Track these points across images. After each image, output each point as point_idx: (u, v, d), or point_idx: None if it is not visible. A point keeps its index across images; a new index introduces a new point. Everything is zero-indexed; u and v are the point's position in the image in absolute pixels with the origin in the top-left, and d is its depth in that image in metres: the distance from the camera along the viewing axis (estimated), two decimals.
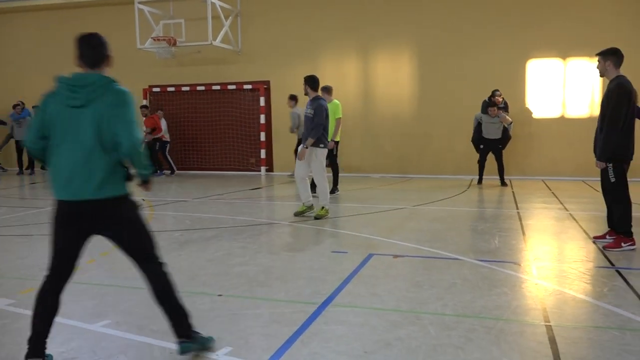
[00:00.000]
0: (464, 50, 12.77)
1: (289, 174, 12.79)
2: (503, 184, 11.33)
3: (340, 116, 9.83)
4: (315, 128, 7.41)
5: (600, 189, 5.98)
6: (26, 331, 3.58)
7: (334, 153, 9.85)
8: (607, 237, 5.92)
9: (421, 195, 10.09)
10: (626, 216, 5.62)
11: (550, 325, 3.62)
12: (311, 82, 7.65)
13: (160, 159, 14.15)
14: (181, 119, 14.96)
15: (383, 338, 3.42)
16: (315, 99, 7.56)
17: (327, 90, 9.52)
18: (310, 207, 7.91)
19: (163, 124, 14.05)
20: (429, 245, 5.98)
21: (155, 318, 3.78)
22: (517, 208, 8.58)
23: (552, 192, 10.27)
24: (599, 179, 5.85)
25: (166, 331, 3.44)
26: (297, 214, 7.87)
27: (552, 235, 6.75)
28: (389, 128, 13.46)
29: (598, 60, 5.67)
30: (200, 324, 3.67)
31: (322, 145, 7.56)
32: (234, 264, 5.26)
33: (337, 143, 9.93)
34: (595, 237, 6.12)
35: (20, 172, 14.70)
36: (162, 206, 9.10)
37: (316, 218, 7.62)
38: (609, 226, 5.94)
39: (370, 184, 11.98)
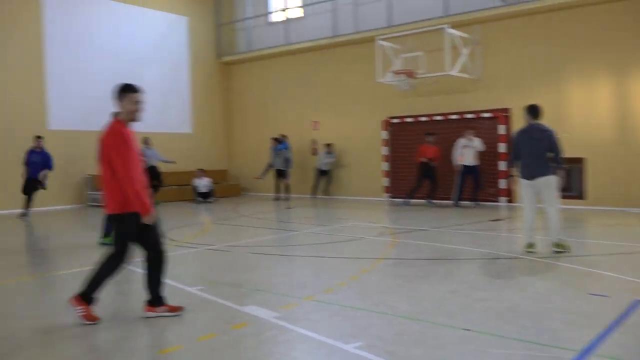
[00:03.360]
0: None
1: None
2: None
3: None
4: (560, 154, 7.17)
5: None
6: (293, 344, 3.99)
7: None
8: None
9: None
10: None
11: None
12: (532, 111, 7.38)
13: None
14: (417, 148, 15.24)
15: None
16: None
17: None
18: (564, 245, 7.25)
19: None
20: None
21: (403, 345, 3.89)
22: None
23: None
24: None
25: (416, 358, 3.50)
26: (556, 248, 7.28)
27: None
28: None
29: None
30: (446, 358, 3.65)
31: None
32: (478, 298, 5.13)
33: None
34: None
35: (277, 198, 16.52)
36: (404, 234, 9.34)
37: (557, 251, 7.07)
38: None
39: (627, 220, 10.62)
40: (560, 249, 7.16)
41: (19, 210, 12.99)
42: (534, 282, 5.82)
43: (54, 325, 4.57)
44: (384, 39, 14.34)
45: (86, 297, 4.54)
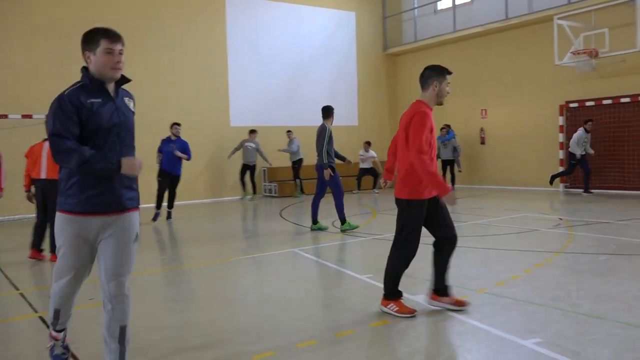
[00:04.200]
0: None
1: None
2: None
3: None
4: None
5: None
6: (467, 335, 3.98)
7: None
8: None
9: None
10: None
11: None
12: None
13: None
14: (602, 134, 13.94)
15: None
16: None
17: None
18: None
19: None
20: None
21: (588, 344, 3.66)
22: None
23: None
24: None
25: (602, 359, 3.29)
26: None
27: None
28: None
29: None
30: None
31: None
32: None
33: None
34: None
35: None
36: (582, 227, 8.66)
37: None
38: None
39: None
40: None
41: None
42: None
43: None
44: (562, 17, 13.31)
45: (392, 294, 4.52)
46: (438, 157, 16.27)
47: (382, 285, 4.62)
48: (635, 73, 13.12)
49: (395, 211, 4.54)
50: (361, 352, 3.79)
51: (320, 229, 9.10)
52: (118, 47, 3.05)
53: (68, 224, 3.07)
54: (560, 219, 9.95)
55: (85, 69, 3.12)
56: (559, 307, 4.52)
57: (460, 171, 15.92)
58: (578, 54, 13.02)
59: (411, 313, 4.42)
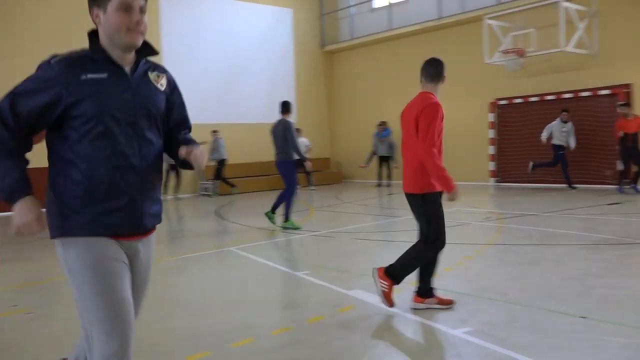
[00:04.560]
0: None
1: None
2: None
3: None
4: None
5: None
6: (401, 327, 4.05)
7: None
8: None
9: None
10: None
11: None
12: None
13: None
14: (526, 131, 14.56)
15: None
16: None
17: None
18: None
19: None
20: None
21: (515, 331, 3.82)
22: None
23: None
24: None
25: (529, 346, 3.45)
26: None
27: None
28: None
29: None
30: (561, 346, 3.55)
31: None
32: (595, 285, 4.89)
33: None
34: None
35: (379, 185, 16.56)
36: (511, 219, 9.04)
37: None
38: None
39: None
40: None
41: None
42: None
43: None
44: (492, 17, 13.81)
45: (429, 292, 4.45)
46: (375, 153, 16.56)
47: (319, 282, 4.64)
48: (559, 72, 13.78)
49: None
50: (298, 349, 3.79)
51: (294, 227, 8.78)
52: (138, 1, 2.13)
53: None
54: (490, 212, 10.33)
55: (93, 34, 2.20)
56: (488, 296, 4.70)
57: (396, 167, 16.23)
58: (507, 53, 13.55)
59: (451, 303, 4.44)
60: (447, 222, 4.47)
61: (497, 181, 15.20)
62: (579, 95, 13.48)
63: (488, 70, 14.68)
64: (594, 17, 13.12)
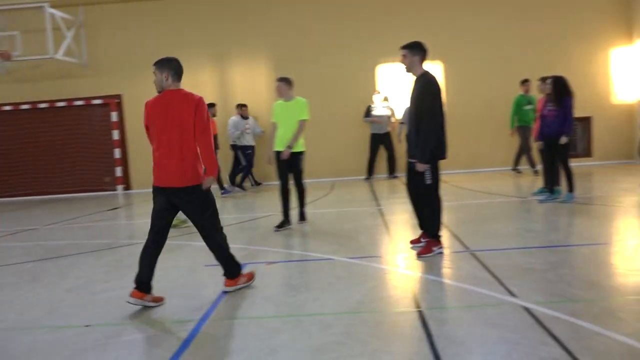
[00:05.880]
0: (317, 56, 13.18)
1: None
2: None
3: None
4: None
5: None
6: None
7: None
8: (422, 240, 5.62)
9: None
10: (437, 219, 5.39)
11: (421, 310, 3.84)
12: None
13: None
14: (20, 140, 13.64)
15: (267, 345, 3.40)
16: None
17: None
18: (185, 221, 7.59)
19: None
20: (301, 249, 6.06)
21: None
22: (379, 205, 9.03)
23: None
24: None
25: None
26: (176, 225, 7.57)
27: (411, 229, 7.05)
28: None
29: (404, 55, 5.28)
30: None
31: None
32: (99, 291, 4.91)
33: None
34: (411, 242, 5.80)
35: None
36: (8, 237, 8.22)
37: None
38: (421, 229, 5.67)
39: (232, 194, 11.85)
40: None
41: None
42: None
43: None
44: None
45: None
46: None
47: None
48: (52, 79, 13.42)
49: None
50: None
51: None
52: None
53: None
54: None
55: None
56: None
57: None
58: None
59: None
60: None
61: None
62: (73, 103, 13.48)
63: None
64: (81, 27, 13.34)
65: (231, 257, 4.62)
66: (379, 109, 12.62)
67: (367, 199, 9.87)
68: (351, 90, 13.06)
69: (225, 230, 4.68)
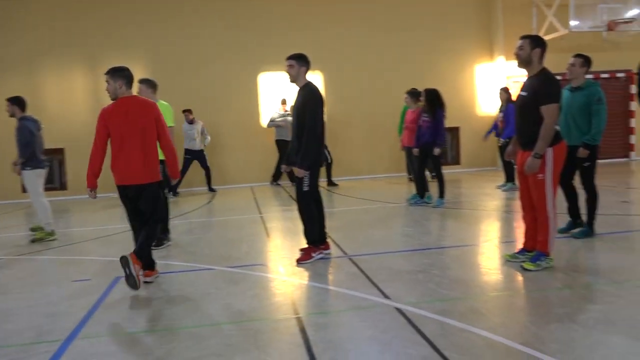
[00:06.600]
0: (199, 64, 12.94)
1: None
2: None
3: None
4: None
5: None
6: None
7: None
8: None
9: None
10: (313, 225, 5.45)
11: (299, 317, 3.88)
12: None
13: None
14: None
15: None
16: None
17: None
18: (52, 234, 7.33)
19: None
20: (181, 259, 5.88)
21: None
22: (260, 213, 9.02)
23: (290, 195, 11.03)
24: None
25: None
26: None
27: (292, 235, 7.10)
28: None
29: (291, 65, 5.35)
30: None
31: None
32: None
33: None
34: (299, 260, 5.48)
35: None
36: None
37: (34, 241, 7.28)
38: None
39: (115, 203, 11.24)
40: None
41: None
42: (16, 281, 5.41)
43: None
44: None
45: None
46: None
47: None
48: None
49: None
50: None
51: None
52: None
53: None
54: None
55: None
56: None
57: None
58: None
59: None
60: None
61: None
62: None
63: None
64: None
65: (150, 252, 4.97)
66: (281, 115, 12.61)
67: (249, 207, 9.82)
68: (238, 98, 13.00)
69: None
